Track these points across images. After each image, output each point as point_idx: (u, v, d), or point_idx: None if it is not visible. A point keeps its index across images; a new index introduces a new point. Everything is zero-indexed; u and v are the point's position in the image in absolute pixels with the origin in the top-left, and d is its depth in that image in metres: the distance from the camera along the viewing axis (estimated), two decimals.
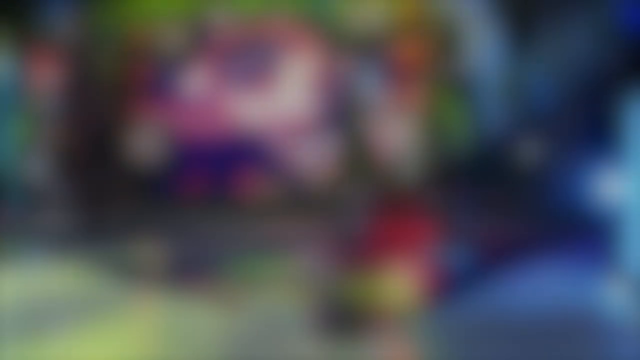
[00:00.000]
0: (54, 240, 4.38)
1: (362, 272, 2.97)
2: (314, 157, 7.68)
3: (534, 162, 5.62)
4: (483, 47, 3.07)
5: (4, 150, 4.53)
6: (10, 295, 2.45)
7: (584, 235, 4.09)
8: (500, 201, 2.80)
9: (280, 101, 8.09)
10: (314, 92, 7.83)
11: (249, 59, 8.32)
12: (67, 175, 7.05)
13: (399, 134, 6.99)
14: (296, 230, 5.10)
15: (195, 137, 8.54)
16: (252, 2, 8.15)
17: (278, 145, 8.02)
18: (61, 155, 6.86)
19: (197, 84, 8.58)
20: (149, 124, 8.61)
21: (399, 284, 2.67)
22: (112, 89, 4.07)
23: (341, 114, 4.85)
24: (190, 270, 3.17)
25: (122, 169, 4.05)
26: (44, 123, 6.85)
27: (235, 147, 8.23)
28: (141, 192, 4.02)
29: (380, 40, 7.21)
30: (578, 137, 5.40)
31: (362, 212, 4.77)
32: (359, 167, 4.66)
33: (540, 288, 2.49)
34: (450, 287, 2.52)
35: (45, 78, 8.42)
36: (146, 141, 8.51)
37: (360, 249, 3.89)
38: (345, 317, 2.06)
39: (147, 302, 2.32)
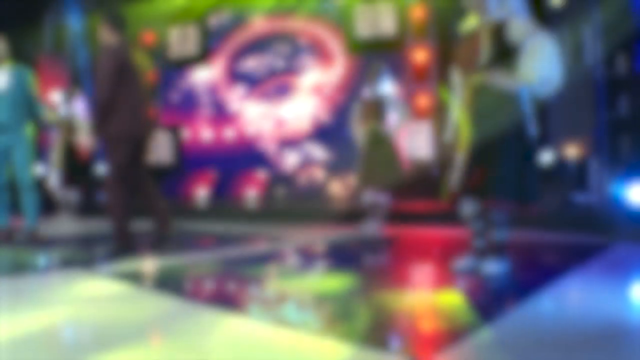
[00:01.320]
0: (73, 249, 4.38)
1: (389, 281, 2.93)
2: (331, 161, 7.65)
3: (561, 164, 5.55)
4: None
5: (21, 158, 4.52)
6: (31, 310, 2.43)
7: (624, 241, 3.96)
8: (531, 208, 2.73)
9: (296, 105, 8.07)
10: (331, 95, 7.81)
11: (265, 61, 8.30)
12: (83, 182, 7.07)
13: (421, 138, 6.94)
14: (316, 235, 5.07)
15: (208, 139, 8.55)
16: (270, 3, 8.15)
17: (292, 148, 8.01)
18: (78, 161, 6.88)
19: (210, 88, 8.58)
20: (161, 126, 8.62)
21: (429, 294, 2.63)
22: (129, 92, 4.03)
23: (358, 117, 4.81)
24: (210, 277, 3.14)
25: (145, 172, 4.03)
26: (59, 130, 6.88)
27: (250, 150, 8.23)
28: (159, 194, 3.99)
29: (398, 44, 7.18)
30: (602, 137, 5.32)
31: (385, 217, 4.71)
32: (379, 171, 4.60)
33: (581, 299, 2.42)
34: (483, 298, 2.46)
35: (61, 84, 8.47)
36: (160, 144, 8.52)
37: (383, 255, 3.85)
38: (371, 327, 2.02)
39: (170, 313, 2.29)
